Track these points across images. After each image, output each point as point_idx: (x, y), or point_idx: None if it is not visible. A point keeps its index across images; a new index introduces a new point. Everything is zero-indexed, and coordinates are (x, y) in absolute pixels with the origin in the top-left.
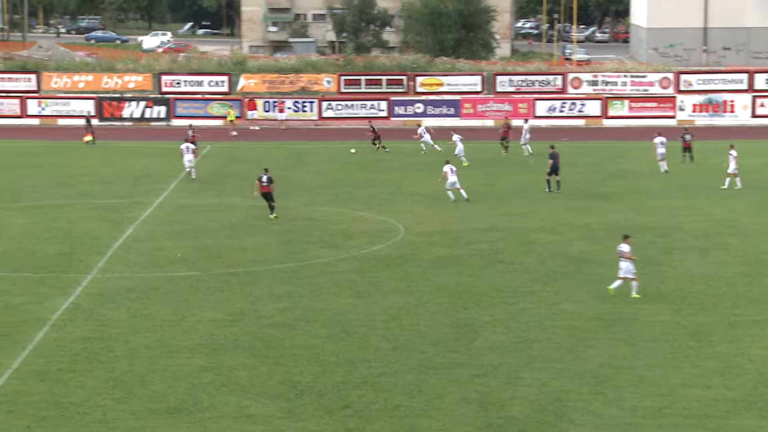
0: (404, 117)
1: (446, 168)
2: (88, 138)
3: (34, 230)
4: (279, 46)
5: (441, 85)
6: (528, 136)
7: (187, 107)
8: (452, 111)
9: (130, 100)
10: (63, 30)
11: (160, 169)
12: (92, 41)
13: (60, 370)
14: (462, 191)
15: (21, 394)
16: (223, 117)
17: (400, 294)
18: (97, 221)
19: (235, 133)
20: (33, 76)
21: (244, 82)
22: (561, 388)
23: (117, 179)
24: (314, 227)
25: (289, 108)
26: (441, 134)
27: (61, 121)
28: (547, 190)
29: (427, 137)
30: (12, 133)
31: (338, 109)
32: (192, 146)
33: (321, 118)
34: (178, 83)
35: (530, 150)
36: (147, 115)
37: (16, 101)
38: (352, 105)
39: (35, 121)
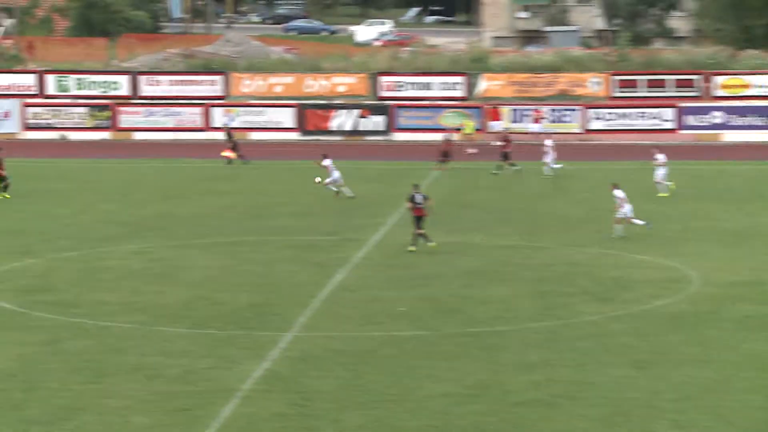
0: (698, 130)
1: (618, 193)
2: (230, 155)
3: (221, 275)
4: (531, 37)
5: (747, 87)
6: None
7: (411, 117)
8: (763, 122)
9: (340, 107)
10: (257, 18)
11: (377, 197)
12: (293, 33)
13: None
14: (636, 220)
15: None
16: (459, 129)
17: (694, 365)
18: (298, 264)
19: (473, 150)
20: (219, 78)
21: (486, 85)
22: None
23: (323, 210)
24: (577, 274)
25: (544, 118)
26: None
27: (254, 135)
28: None
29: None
30: (194, 150)
31: (609, 119)
32: (329, 161)
33: (586, 131)
34: (400, 86)
35: None
36: (361, 127)
37: (199, 110)
38: (628, 114)
39: (222, 135)
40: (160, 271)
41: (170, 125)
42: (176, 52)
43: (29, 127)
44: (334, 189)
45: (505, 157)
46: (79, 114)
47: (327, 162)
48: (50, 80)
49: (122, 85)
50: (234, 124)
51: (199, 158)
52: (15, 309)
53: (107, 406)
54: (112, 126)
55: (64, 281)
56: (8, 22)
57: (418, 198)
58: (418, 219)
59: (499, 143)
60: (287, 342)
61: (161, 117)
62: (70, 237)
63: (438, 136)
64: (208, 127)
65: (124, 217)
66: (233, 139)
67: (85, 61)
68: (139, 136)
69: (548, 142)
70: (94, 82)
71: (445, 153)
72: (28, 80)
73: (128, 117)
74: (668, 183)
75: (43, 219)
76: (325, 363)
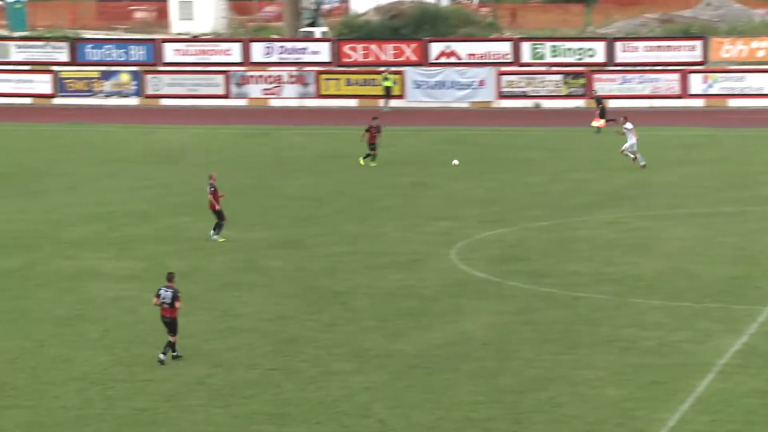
0: None
1: None
2: (597, 123)
3: (697, 246)
4: None
5: None
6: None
7: None
8: None
9: None
10: None
11: None
12: None
13: None
14: None
15: None
16: None
17: None
18: None
19: None
20: (698, 44)
21: None
22: None
23: None
24: None
25: None
26: None
27: (733, 102)
28: None
29: None
30: (669, 117)
31: None
32: (629, 126)
33: None
34: None
35: None
36: None
37: (676, 76)
38: None
39: (698, 102)
40: (634, 241)
41: (646, 92)
42: (654, 17)
43: (503, 96)
44: (630, 155)
45: None
46: (553, 82)
47: (629, 126)
48: (525, 48)
49: (598, 51)
50: (712, 91)
51: (673, 126)
52: (489, 278)
53: (580, 377)
54: (586, 93)
55: (536, 251)
56: None
57: None
58: None
59: None
60: (766, 316)
61: (637, 84)
62: (543, 206)
63: None
64: (685, 94)
65: (597, 186)
66: (602, 105)
67: (561, 27)
68: (613, 103)
69: None
70: (569, 50)
71: None
72: (504, 48)
73: (603, 84)
74: None
75: (516, 188)
76: None
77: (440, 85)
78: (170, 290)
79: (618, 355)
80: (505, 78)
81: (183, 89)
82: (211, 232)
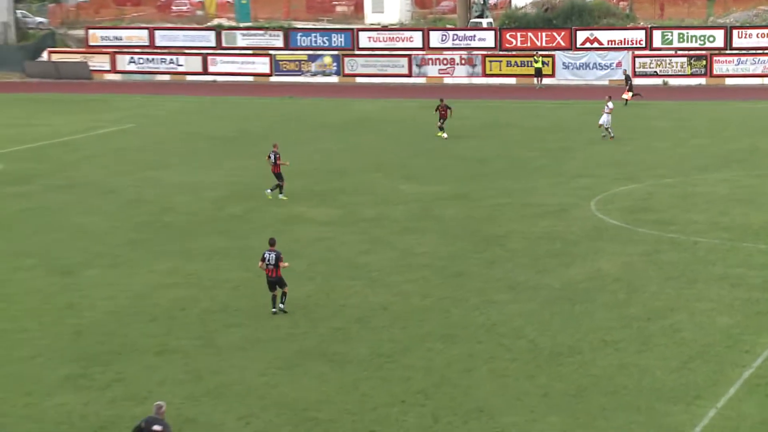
0: None
1: None
2: (626, 96)
3: None
4: None
5: None
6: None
7: None
8: None
9: None
10: None
11: None
12: None
13: None
14: None
15: None
16: None
17: None
18: None
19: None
20: None
21: None
22: None
23: None
24: None
25: None
26: None
27: None
28: None
29: None
30: None
31: None
32: (611, 105)
33: None
34: None
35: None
36: None
37: None
38: None
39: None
40: (744, 196)
41: (758, 72)
42: (767, 8)
43: (637, 75)
44: (605, 131)
45: None
46: (679, 63)
47: (611, 105)
48: (656, 35)
49: (717, 38)
50: None
51: None
52: (621, 225)
53: (696, 308)
54: (707, 73)
55: (661, 203)
56: None
57: None
58: None
59: None
60: None
61: (750, 65)
62: (668, 167)
63: None
64: None
65: (714, 150)
66: (630, 82)
67: (687, 18)
68: (730, 81)
69: None
70: (693, 36)
71: None
72: (638, 35)
73: (721, 65)
74: None
75: (646, 152)
76: None
77: (584, 66)
78: (273, 253)
79: (729, 290)
80: (638, 60)
81: (374, 69)
82: (268, 190)
